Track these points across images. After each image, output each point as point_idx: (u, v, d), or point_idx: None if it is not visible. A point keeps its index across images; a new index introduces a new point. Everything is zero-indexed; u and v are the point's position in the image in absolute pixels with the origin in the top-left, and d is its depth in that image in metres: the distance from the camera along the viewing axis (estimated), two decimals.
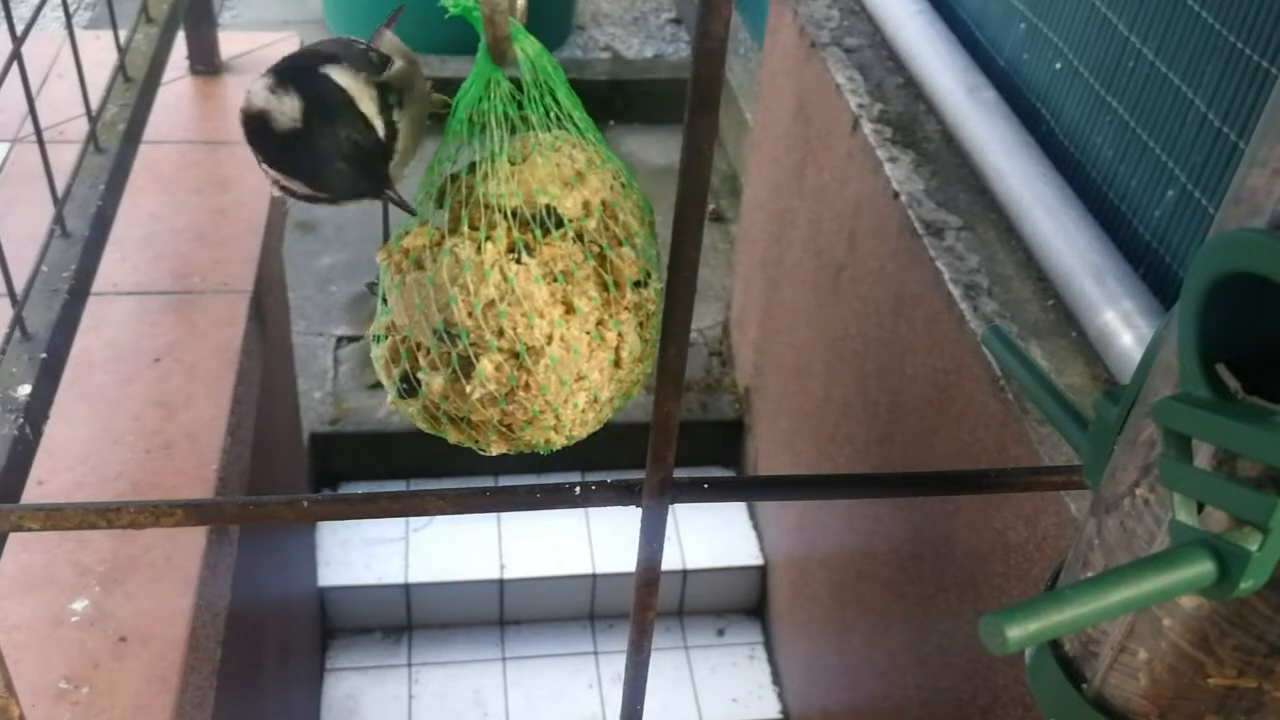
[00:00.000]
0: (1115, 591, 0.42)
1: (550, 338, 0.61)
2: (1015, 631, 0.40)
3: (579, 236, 0.64)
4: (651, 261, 0.66)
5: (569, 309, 0.62)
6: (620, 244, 0.64)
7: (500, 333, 0.61)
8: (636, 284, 0.64)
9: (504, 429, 0.64)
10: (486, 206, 0.63)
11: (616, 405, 0.67)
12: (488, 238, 0.62)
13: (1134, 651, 0.48)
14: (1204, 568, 0.41)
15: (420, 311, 0.63)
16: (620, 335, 0.64)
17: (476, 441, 0.66)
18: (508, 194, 0.63)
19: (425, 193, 0.66)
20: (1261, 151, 0.41)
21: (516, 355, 0.61)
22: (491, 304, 0.61)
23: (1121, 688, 0.49)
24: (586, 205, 0.64)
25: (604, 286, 0.63)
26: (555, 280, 0.62)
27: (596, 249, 0.64)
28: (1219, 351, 0.42)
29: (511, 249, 0.62)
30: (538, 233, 0.63)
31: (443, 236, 0.64)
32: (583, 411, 0.64)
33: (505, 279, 0.61)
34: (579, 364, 0.62)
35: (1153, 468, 0.46)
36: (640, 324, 0.65)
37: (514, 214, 0.63)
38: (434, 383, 0.63)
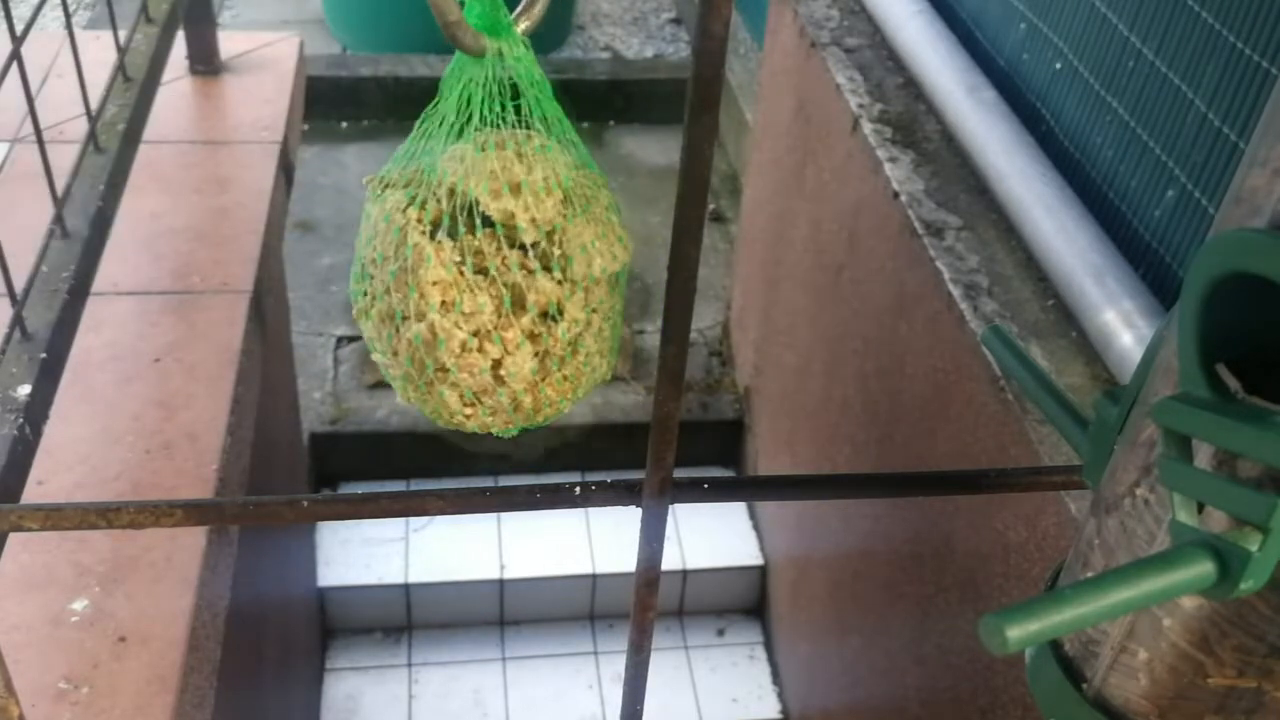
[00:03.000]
0: (1115, 591, 0.42)
1: (422, 315, 0.63)
2: (1015, 631, 0.40)
3: (518, 246, 0.63)
4: (579, 306, 0.64)
5: (446, 303, 0.62)
6: (535, 272, 0.63)
7: (387, 290, 0.64)
8: (545, 315, 0.63)
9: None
10: (426, 182, 0.64)
11: (500, 422, 0.66)
12: (412, 200, 0.64)
13: (1134, 652, 0.48)
14: (1204, 568, 0.41)
15: (360, 239, 0.68)
16: (506, 352, 0.63)
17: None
18: (449, 174, 0.64)
19: (412, 144, 0.68)
20: (1261, 151, 0.41)
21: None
22: (387, 260, 0.64)
23: (1121, 688, 0.49)
24: (514, 217, 0.63)
25: (501, 301, 0.62)
26: (445, 268, 0.62)
27: (526, 269, 0.63)
28: (1219, 351, 0.42)
29: (423, 221, 0.63)
30: (461, 219, 0.63)
31: (389, 186, 0.67)
32: (461, 399, 0.65)
33: (405, 242, 0.63)
34: (440, 354, 0.63)
35: (1153, 468, 0.46)
36: (537, 354, 0.63)
37: (450, 194, 0.64)
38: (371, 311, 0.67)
